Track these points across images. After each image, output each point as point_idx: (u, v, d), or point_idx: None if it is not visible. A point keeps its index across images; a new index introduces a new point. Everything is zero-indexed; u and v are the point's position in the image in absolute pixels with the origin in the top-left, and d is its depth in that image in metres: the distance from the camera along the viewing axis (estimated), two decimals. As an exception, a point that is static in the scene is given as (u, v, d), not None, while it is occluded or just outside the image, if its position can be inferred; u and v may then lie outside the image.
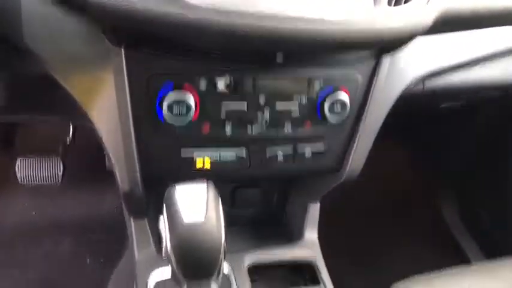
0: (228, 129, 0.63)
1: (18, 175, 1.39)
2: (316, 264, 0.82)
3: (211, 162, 0.65)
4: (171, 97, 0.57)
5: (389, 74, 0.67)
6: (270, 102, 0.63)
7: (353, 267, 1.24)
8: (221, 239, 0.48)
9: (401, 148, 1.68)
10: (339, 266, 0.84)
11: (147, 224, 0.80)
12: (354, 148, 0.71)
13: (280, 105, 0.63)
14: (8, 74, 0.66)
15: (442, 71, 0.76)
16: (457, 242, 1.49)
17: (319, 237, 0.89)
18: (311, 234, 0.88)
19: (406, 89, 0.72)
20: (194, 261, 0.48)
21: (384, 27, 0.58)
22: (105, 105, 0.59)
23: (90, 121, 0.61)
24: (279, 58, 0.58)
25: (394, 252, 1.35)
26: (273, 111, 0.63)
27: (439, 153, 1.60)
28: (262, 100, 0.62)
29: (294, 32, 0.54)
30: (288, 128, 0.65)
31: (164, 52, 0.57)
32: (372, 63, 0.66)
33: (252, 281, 0.77)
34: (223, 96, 0.60)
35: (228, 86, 0.59)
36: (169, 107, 0.57)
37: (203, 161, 0.64)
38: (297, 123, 0.65)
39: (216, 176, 0.59)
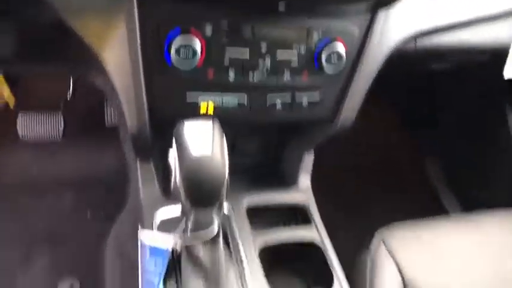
0: (231, 75, 0.66)
1: (20, 131, 1.41)
2: (308, 208, 0.89)
3: (214, 108, 0.68)
4: (178, 41, 0.60)
5: (383, 29, 0.70)
6: (270, 51, 0.66)
7: (341, 213, 1.30)
8: (225, 172, 0.52)
9: (394, 109, 1.74)
10: (329, 212, 0.91)
11: (152, 166, 0.85)
12: (348, 99, 0.75)
13: (280, 54, 0.66)
14: (20, 22, 0.67)
15: (434, 30, 0.79)
16: (438, 196, 1.58)
17: (312, 187, 0.94)
18: (305, 180, 0.94)
19: (398, 44, 0.74)
20: (200, 190, 0.51)
21: None
22: (117, 49, 0.61)
23: (101, 66, 0.64)
24: (281, 6, 0.61)
25: (381, 202, 1.42)
26: (273, 60, 0.66)
27: (427, 115, 1.67)
28: (263, 48, 0.65)
29: None
30: (287, 76, 0.68)
31: None
32: (368, 17, 0.69)
33: (251, 222, 0.83)
34: (227, 42, 0.63)
35: (230, 31, 0.62)
36: (177, 51, 0.60)
37: (207, 105, 0.68)
38: (295, 72, 0.68)
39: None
